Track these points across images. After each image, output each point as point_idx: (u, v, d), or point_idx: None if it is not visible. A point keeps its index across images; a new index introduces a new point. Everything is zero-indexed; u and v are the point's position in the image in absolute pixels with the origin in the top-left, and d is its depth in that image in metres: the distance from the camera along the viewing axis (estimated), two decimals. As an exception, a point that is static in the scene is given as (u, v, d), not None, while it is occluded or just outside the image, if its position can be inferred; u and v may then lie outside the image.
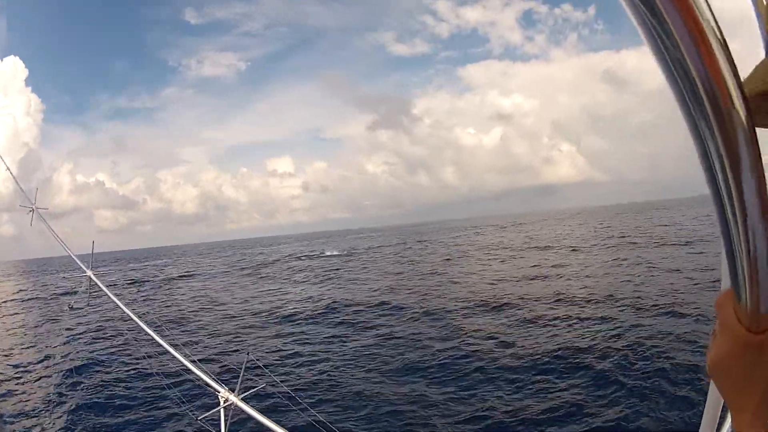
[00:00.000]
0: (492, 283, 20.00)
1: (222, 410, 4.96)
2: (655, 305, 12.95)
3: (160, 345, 5.87)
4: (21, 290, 36.91)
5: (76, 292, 7.76)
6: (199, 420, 5.00)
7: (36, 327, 18.33)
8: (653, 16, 0.36)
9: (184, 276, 39.31)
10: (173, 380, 7.23)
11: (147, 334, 6.04)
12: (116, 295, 6.60)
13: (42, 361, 12.99)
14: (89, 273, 7.09)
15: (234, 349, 12.95)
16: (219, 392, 5.11)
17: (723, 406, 0.76)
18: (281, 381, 5.94)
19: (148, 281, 36.05)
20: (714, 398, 0.90)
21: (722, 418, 0.88)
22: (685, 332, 10.29)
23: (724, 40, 0.37)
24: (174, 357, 5.73)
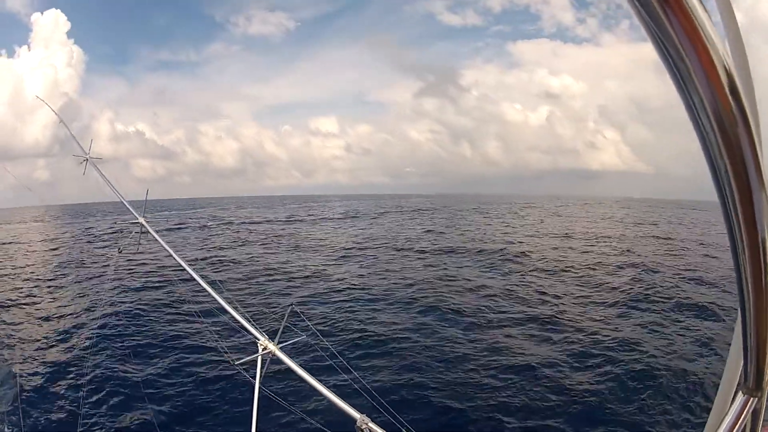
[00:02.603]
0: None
1: (259, 358, 5.10)
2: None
3: (206, 291, 6.14)
4: (65, 234, 38.79)
5: (126, 237, 8.16)
6: (236, 365, 5.15)
7: (84, 269, 19.35)
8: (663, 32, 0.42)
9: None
10: (215, 326, 7.57)
11: (194, 279, 6.32)
12: (166, 241, 6.90)
13: (87, 302, 13.77)
14: (141, 220, 7.43)
15: (280, 297, 13.26)
16: (259, 340, 5.28)
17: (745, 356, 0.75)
18: (323, 336, 6.14)
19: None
20: (736, 347, 0.90)
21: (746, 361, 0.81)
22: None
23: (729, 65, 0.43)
24: (218, 303, 5.98)
